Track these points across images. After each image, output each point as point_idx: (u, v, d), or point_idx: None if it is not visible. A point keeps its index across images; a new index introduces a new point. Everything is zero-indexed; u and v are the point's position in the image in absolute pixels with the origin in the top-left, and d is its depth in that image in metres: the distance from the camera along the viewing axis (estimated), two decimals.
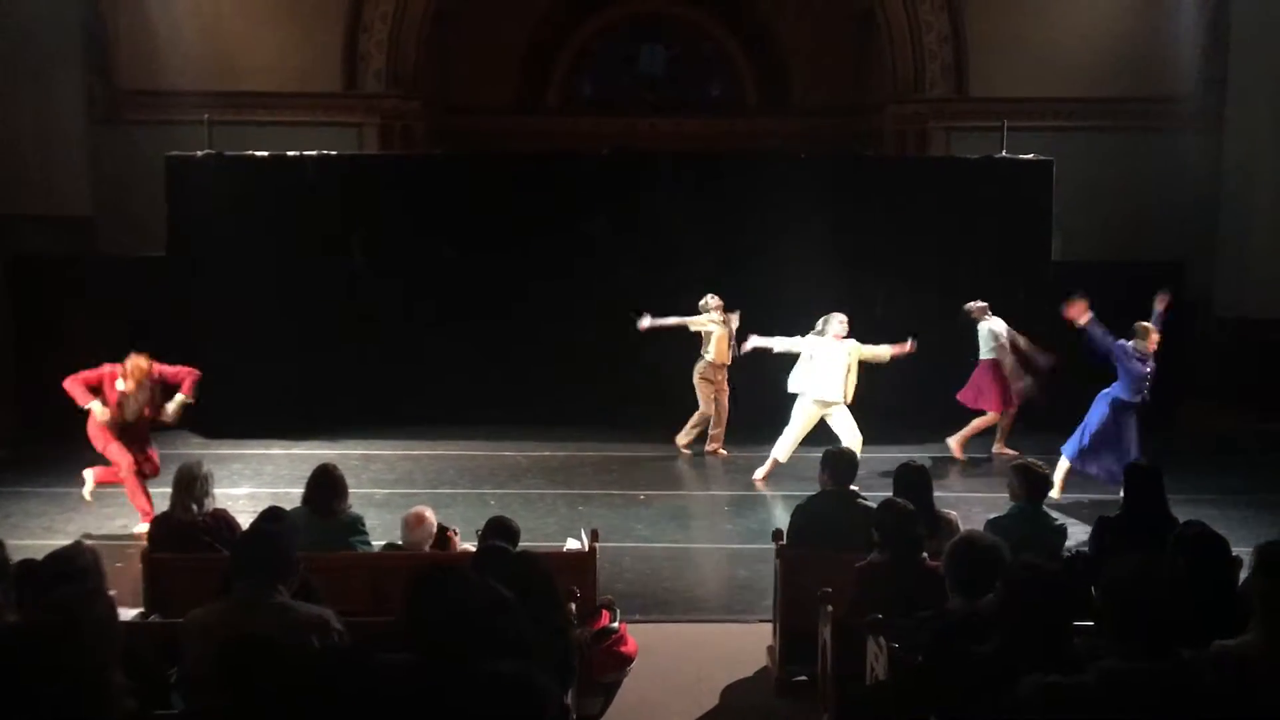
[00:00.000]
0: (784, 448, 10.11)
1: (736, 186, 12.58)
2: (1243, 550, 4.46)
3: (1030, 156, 12.75)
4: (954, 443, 11.09)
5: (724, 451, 11.20)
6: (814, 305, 12.26)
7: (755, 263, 12.19)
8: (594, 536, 6.18)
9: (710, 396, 11.12)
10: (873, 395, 11.85)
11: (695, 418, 11.25)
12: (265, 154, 12.72)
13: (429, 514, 6.01)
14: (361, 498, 9.21)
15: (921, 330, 11.04)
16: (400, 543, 6.04)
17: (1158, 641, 2.91)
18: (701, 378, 11.09)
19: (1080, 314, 9.03)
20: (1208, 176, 14.49)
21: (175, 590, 5.43)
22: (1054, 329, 12.10)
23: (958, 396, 11.15)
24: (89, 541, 5.57)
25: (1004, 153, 12.75)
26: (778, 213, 12.35)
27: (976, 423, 11.11)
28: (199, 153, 12.49)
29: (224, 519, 6.12)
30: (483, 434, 11.74)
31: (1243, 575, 4.48)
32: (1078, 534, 7.24)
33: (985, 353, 11.07)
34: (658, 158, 13.64)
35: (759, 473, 10.26)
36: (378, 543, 6.25)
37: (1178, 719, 2.86)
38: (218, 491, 6.41)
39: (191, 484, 6.02)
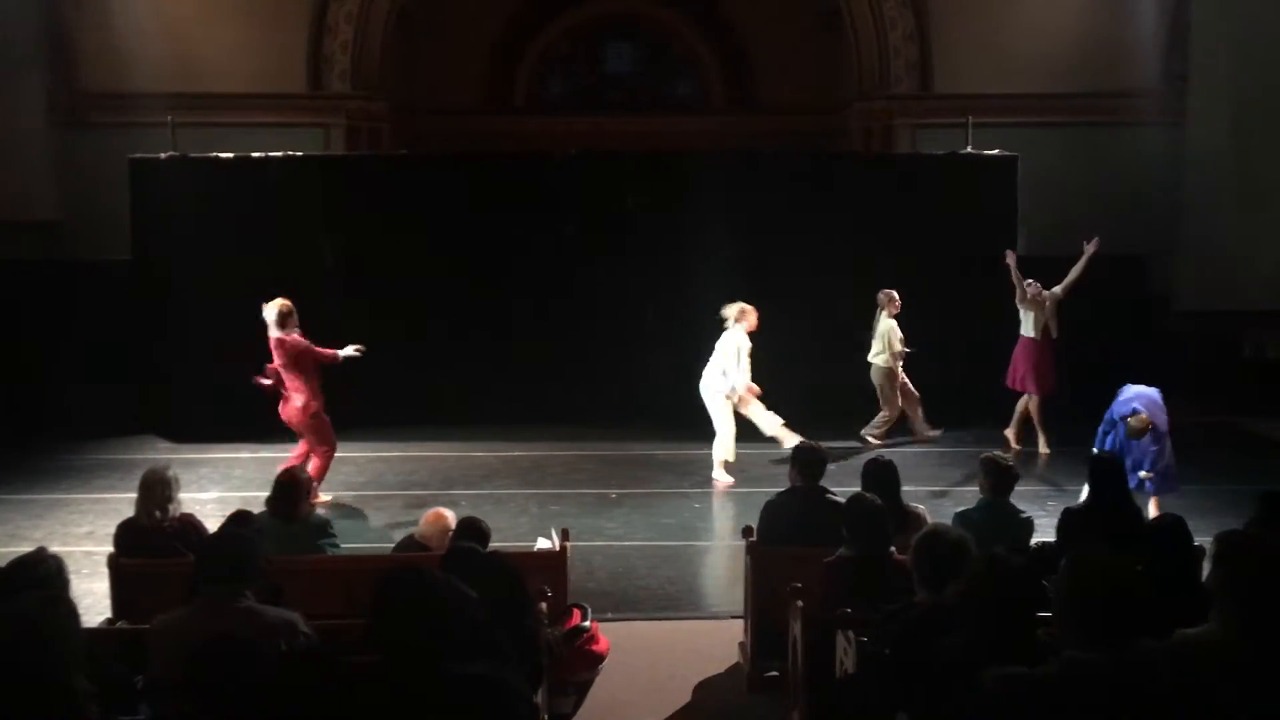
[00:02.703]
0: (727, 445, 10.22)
1: (703, 185, 12.60)
2: (1206, 540, 4.52)
3: (995, 152, 12.85)
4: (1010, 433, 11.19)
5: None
6: (779, 302, 12.34)
7: (722, 261, 12.22)
8: (565, 536, 6.19)
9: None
10: (840, 393, 11.98)
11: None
12: (230, 155, 12.62)
13: (448, 514, 6.08)
14: (332, 500, 9.23)
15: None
16: (415, 536, 6.05)
17: (1117, 631, 2.95)
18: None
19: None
20: (1169, 171, 14.66)
21: (142, 596, 5.38)
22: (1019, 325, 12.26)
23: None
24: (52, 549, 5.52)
25: (969, 149, 12.85)
26: (745, 211, 12.40)
27: (1020, 408, 11.11)
28: (163, 155, 12.39)
29: (191, 523, 6.06)
30: (453, 435, 11.71)
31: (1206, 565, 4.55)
32: (1045, 526, 7.32)
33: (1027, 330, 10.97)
34: (626, 156, 13.65)
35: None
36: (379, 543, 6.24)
37: (1139, 708, 2.89)
38: (185, 496, 6.36)
39: (154, 489, 5.96)
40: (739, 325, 10.12)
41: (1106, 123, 14.89)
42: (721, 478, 10.18)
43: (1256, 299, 14.05)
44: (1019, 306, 10.94)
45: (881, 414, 11.43)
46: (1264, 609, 3.31)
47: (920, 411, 11.52)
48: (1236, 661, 3.22)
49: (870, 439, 11.34)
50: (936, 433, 11.47)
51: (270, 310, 9.07)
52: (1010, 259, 11.01)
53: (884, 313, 11.30)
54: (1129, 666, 2.92)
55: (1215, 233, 14.22)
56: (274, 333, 9.07)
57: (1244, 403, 12.81)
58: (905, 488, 6.28)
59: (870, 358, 11.37)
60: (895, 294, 11.31)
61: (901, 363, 11.27)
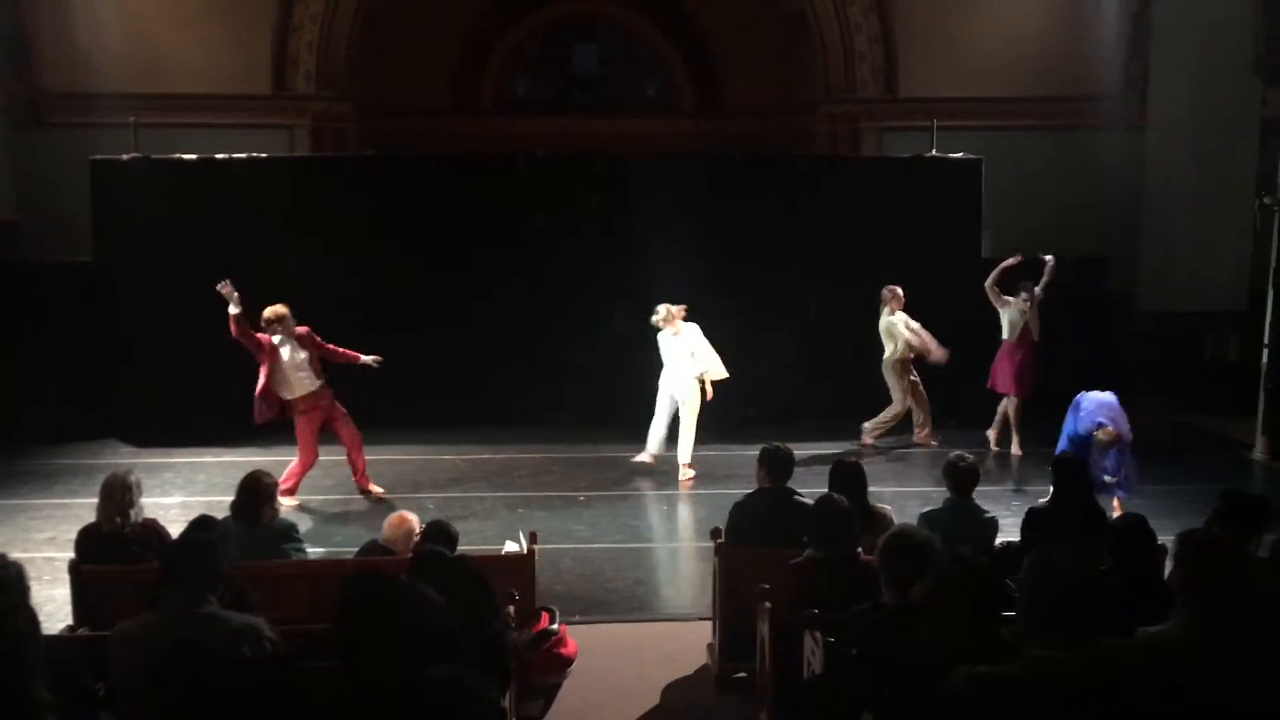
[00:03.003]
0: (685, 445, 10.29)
1: (670, 187, 12.61)
2: (1169, 539, 4.57)
3: (959, 155, 12.97)
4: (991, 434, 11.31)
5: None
6: (745, 303, 12.39)
7: (690, 263, 12.24)
8: (533, 539, 6.17)
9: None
10: (807, 394, 12.04)
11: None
12: (193, 157, 12.51)
13: (411, 517, 6.02)
14: (297, 504, 9.16)
15: (853, 328, 11.21)
16: (380, 540, 5.99)
17: (1081, 630, 2.98)
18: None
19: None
20: (1130, 173, 14.84)
21: (104, 602, 5.32)
22: (985, 322, 12.35)
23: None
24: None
25: (934, 152, 12.95)
26: (711, 213, 12.43)
27: (1001, 410, 11.18)
28: (125, 156, 12.26)
29: (154, 529, 6.00)
30: (420, 438, 11.65)
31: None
32: (1010, 526, 7.38)
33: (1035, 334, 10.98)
34: (592, 159, 13.64)
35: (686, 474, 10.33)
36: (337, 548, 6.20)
37: (1103, 706, 2.92)
38: (148, 501, 6.29)
39: (115, 494, 5.89)
40: (670, 328, 10.19)
41: (1069, 127, 15.04)
42: (686, 476, 10.25)
43: (1216, 300, 14.24)
44: (998, 309, 11.01)
45: (889, 409, 11.40)
46: (1223, 607, 3.35)
47: (927, 419, 11.48)
48: (1197, 659, 3.26)
49: (867, 437, 11.34)
50: (934, 444, 11.37)
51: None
52: (1013, 262, 11.00)
53: (886, 309, 11.29)
54: (1093, 665, 2.95)
55: (1175, 235, 14.41)
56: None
57: (1205, 403, 12.98)
58: (873, 488, 6.31)
59: (885, 358, 11.34)
60: (899, 290, 11.29)
61: (914, 355, 11.28)
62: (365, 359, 9.59)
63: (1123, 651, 3.19)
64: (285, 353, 9.26)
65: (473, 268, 12.43)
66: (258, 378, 9.26)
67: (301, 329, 9.36)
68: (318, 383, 9.39)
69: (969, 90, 15.16)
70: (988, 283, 10.97)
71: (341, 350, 9.54)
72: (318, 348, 9.42)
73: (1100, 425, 8.41)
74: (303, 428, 9.39)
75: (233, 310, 9.12)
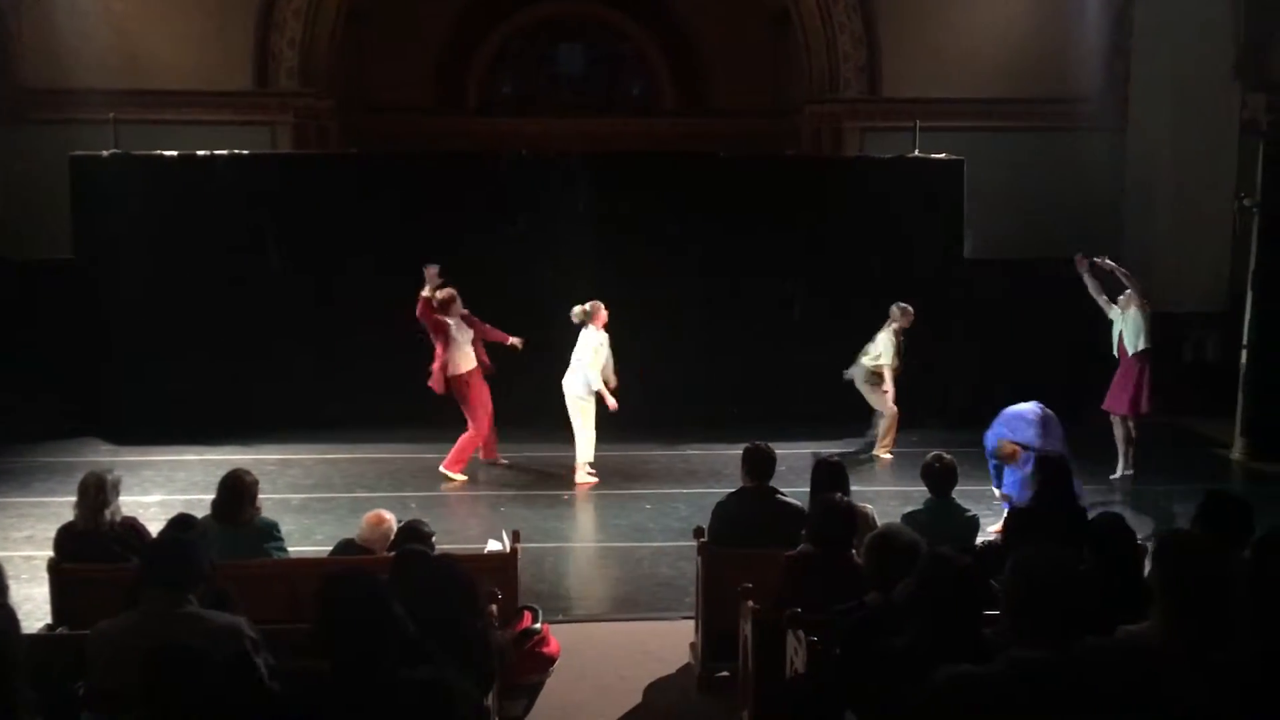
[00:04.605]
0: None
1: (655, 187, 12.62)
2: (1148, 538, 4.60)
3: (942, 156, 13.01)
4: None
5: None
6: (729, 302, 12.40)
7: (674, 262, 12.26)
8: (515, 538, 6.16)
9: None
10: (792, 391, 12.06)
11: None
12: (174, 153, 12.44)
13: (389, 516, 5.98)
14: (278, 503, 9.10)
15: (835, 328, 11.21)
16: (355, 539, 5.96)
17: (1062, 629, 2.99)
18: None
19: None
20: (1111, 175, 14.91)
21: (83, 601, 5.28)
22: (969, 325, 12.43)
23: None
24: None
25: (916, 152, 12.99)
26: (697, 212, 12.44)
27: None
28: (105, 152, 12.19)
29: (134, 527, 5.96)
30: (402, 436, 11.61)
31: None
32: (991, 525, 7.42)
33: (1135, 345, 10.15)
34: (576, 158, 13.63)
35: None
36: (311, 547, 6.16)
37: (1083, 704, 2.94)
38: (128, 499, 6.25)
39: (93, 492, 5.84)
40: (592, 325, 10.10)
41: (1051, 128, 15.10)
42: (584, 479, 10.19)
43: (1196, 301, 14.32)
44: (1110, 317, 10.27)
45: (883, 420, 11.19)
46: (1202, 607, 3.37)
47: (892, 432, 11.29)
48: (1176, 658, 3.28)
49: (883, 453, 11.11)
50: (889, 458, 11.18)
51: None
52: (1108, 262, 10.28)
53: (892, 325, 11.00)
54: (1073, 663, 2.97)
55: (1155, 236, 14.48)
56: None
57: (1184, 403, 13.04)
58: (855, 488, 6.32)
59: (862, 358, 11.12)
60: (910, 309, 10.98)
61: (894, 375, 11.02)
62: (512, 340, 10.53)
63: (1103, 651, 3.21)
64: (457, 332, 10.22)
65: (455, 266, 12.37)
66: (434, 355, 10.25)
67: (464, 311, 10.34)
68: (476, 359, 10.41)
69: (952, 91, 15.21)
70: (1092, 292, 10.30)
71: (495, 330, 10.52)
72: (478, 327, 10.42)
73: (1000, 438, 8.33)
74: (477, 396, 10.35)
75: (425, 292, 10.13)
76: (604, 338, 10.09)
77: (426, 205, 12.38)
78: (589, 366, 10.00)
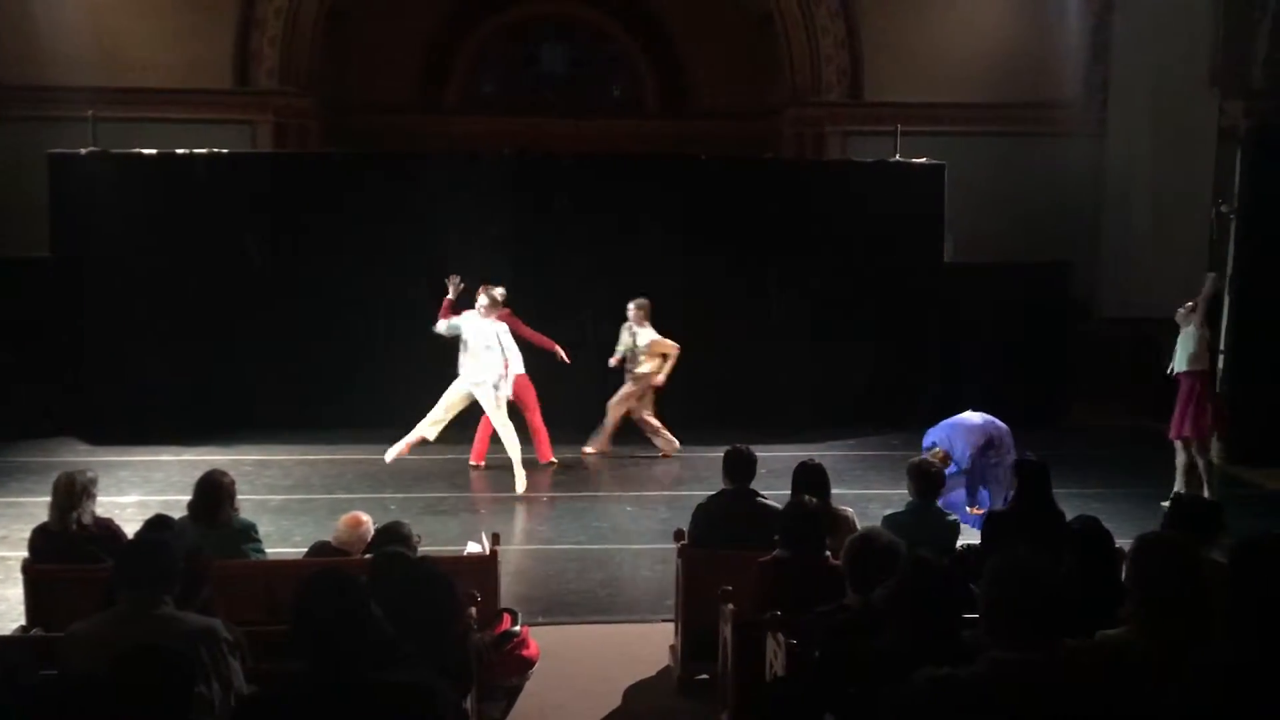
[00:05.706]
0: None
1: (636, 188, 12.61)
2: (1127, 542, 4.62)
3: (923, 160, 13.06)
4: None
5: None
6: (710, 304, 12.41)
7: (654, 263, 12.25)
8: (495, 540, 6.14)
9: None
10: (772, 393, 12.08)
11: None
12: (153, 151, 12.36)
13: (365, 518, 5.94)
14: (256, 504, 9.05)
15: (814, 330, 11.20)
16: (331, 540, 5.92)
17: (1040, 633, 3.00)
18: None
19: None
20: (1092, 179, 15.01)
21: (58, 602, 5.24)
22: (947, 329, 12.48)
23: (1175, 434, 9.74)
24: None
25: (897, 156, 13.03)
26: (677, 214, 12.44)
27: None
28: (83, 150, 12.09)
29: (110, 528, 5.91)
30: (382, 438, 11.53)
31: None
32: (970, 530, 7.43)
33: (1183, 364, 9.70)
34: (558, 159, 13.62)
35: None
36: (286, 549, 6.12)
37: (1062, 708, 2.94)
38: (105, 499, 6.20)
39: (68, 492, 5.78)
40: (489, 315, 10.10)
41: (1031, 133, 15.19)
42: (522, 477, 10.05)
43: (1174, 306, 14.40)
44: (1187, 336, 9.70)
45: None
46: (1178, 608, 3.39)
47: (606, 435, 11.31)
48: (1152, 661, 3.29)
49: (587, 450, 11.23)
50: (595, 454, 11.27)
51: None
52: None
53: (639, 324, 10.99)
54: (1052, 667, 2.98)
55: (1134, 240, 14.58)
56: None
57: (1164, 407, 13.09)
58: (835, 490, 6.32)
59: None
60: (647, 302, 10.98)
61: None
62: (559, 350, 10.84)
63: (1081, 653, 3.21)
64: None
65: (436, 266, 12.33)
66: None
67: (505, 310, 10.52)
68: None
69: (933, 96, 15.28)
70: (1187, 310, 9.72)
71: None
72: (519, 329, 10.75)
73: (932, 446, 8.28)
74: (530, 395, 10.70)
75: (451, 295, 10.19)
76: (503, 328, 10.23)
77: (407, 205, 12.32)
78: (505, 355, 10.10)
